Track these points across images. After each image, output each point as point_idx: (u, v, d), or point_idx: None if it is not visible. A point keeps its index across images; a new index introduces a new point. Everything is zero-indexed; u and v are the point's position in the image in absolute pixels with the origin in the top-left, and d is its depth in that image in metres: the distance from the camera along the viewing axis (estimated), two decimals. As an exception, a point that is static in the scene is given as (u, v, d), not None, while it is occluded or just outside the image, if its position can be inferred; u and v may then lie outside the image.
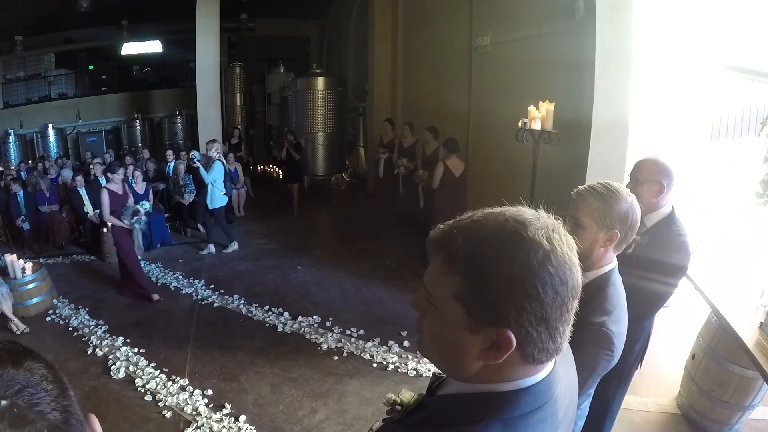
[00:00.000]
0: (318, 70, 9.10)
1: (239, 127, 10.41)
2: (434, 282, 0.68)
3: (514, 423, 0.65)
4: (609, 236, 1.40)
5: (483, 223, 0.66)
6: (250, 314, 4.30)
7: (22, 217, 6.24)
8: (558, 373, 0.72)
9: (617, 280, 1.43)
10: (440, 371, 0.77)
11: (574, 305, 0.66)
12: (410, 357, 3.49)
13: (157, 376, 3.35)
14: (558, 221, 0.68)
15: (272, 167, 10.70)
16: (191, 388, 3.21)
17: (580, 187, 1.49)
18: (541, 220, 0.66)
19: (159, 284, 5.11)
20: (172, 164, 7.48)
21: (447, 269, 0.66)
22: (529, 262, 0.61)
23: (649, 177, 1.98)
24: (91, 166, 7.96)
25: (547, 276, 0.61)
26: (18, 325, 4.10)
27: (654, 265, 1.80)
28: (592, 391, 1.43)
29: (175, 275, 5.26)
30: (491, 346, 0.64)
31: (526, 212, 0.67)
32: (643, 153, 2.19)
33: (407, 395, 0.84)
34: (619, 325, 1.33)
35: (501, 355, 0.64)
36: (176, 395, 3.14)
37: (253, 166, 11.07)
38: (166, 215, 6.75)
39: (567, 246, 0.65)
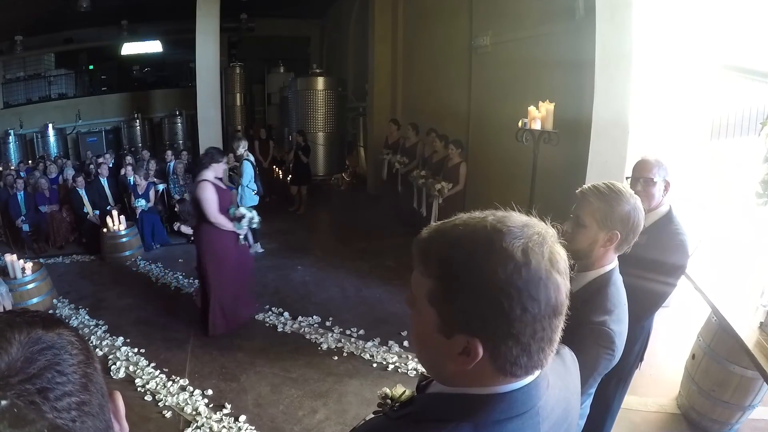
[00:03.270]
0: (318, 70, 9.10)
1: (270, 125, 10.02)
2: (414, 282, 0.69)
3: (486, 428, 0.65)
4: (609, 237, 1.40)
5: (460, 228, 0.65)
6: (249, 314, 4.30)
7: (22, 217, 6.24)
8: (543, 385, 0.70)
9: (618, 280, 1.43)
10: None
11: (555, 323, 0.64)
12: (410, 357, 3.49)
13: (157, 376, 3.35)
14: (554, 230, 0.66)
15: (273, 167, 10.66)
16: (191, 388, 3.21)
17: (585, 185, 1.49)
18: (524, 230, 0.62)
19: (159, 284, 5.11)
20: (172, 164, 7.48)
21: (424, 271, 0.66)
22: (495, 275, 0.59)
23: (656, 176, 1.99)
24: (91, 166, 7.97)
25: (514, 291, 0.59)
26: None
27: (652, 264, 1.80)
28: (593, 390, 1.43)
29: (175, 275, 5.26)
30: (462, 352, 0.64)
31: (511, 219, 0.64)
32: (643, 152, 2.19)
33: (399, 390, 0.85)
34: (620, 325, 1.33)
35: (470, 362, 0.63)
36: (176, 395, 3.14)
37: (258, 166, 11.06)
38: (166, 215, 6.75)
39: (548, 260, 0.61)
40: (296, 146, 7.59)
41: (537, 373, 0.69)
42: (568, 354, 0.88)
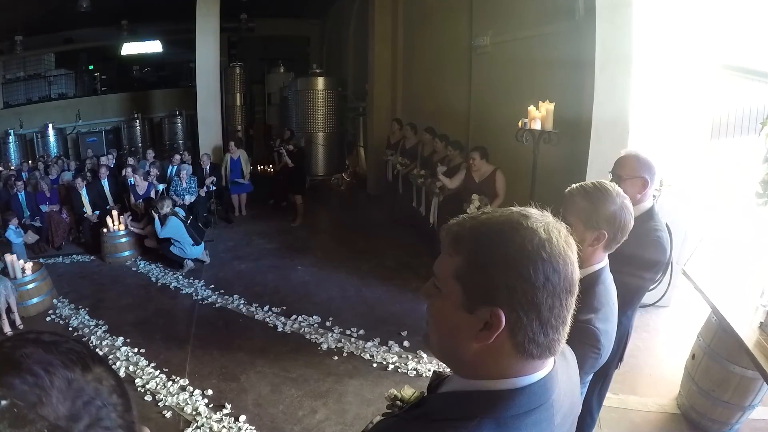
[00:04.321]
0: (318, 70, 9.09)
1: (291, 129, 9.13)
2: (441, 264, 0.73)
3: (507, 423, 0.66)
4: (596, 236, 1.40)
5: (492, 214, 0.72)
6: (250, 314, 4.30)
7: (28, 215, 6.26)
8: (556, 377, 0.73)
9: (607, 279, 1.43)
10: (442, 364, 0.79)
11: (569, 302, 0.69)
12: (410, 357, 3.49)
13: (157, 376, 3.35)
14: (562, 224, 0.71)
15: (271, 168, 10.67)
16: (191, 388, 3.21)
17: (572, 185, 1.49)
18: (544, 218, 0.70)
19: (159, 284, 5.11)
20: (175, 166, 7.45)
21: (453, 250, 0.70)
22: (523, 246, 0.66)
23: (631, 173, 1.96)
24: (87, 163, 7.95)
25: (540, 261, 0.65)
26: (4, 326, 4.09)
27: (628, 258, 1.79)
28: (585, 390, 1.43)
29: (175, 275, 5.27)
30: (484, 327, 0.67)
31: (532, 210, 0.72)
32: (628, 149, 2.17)
33: (409, 391, 0.85)
34: (606, 323, 1.33)
35: (492, 334, 0.66)
36: (176, 395, 3.14)
37: (253, 166, 11.02)
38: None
39: (564, 241, 0.68)
40: (285, 152, 7.02)
41: (550, 366, 0.72)
42: (567, 348, 0.90)
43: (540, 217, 0.69)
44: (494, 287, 0.66)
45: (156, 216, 5.47)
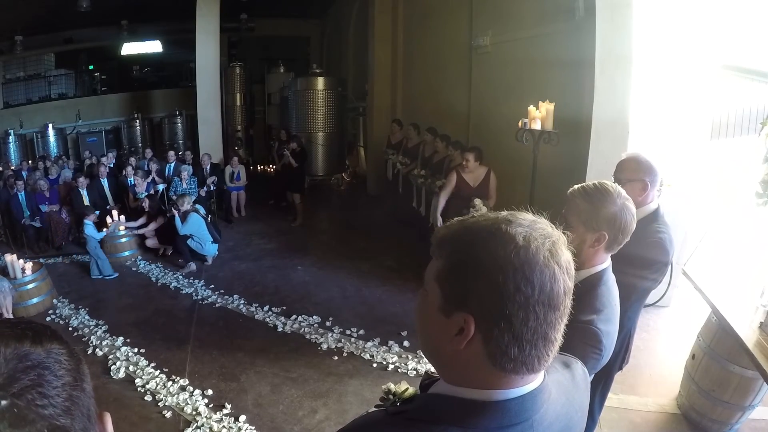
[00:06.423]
0: (318, 70, 9.09)
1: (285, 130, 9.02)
2: (428, 268, 0.72)
3: None
4: (597, 237, 1.39)
5: (479, 218, 0.70)
6: (250, 314, 4.30)
7: (28, 215, 6.26)
8: (542, 397, 0.69)
9: (609, 280, 1.42)
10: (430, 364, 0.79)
11: (551, 318, 0.64)
12: (410, 357, 3.49)
13: (157, 376, 3.35)
14: (558, 231, 0.67)
15: (271, 168, 10.68)
16: (191, 388, 3.21)
17: (574, 186, 1.49)
18: (532, 224, 0.66)
19: (159, 284, 5.11)
20: (172, 165, 7.46)
21: (437, 253, 0.70)
22: (496, 252, 0.63)
23: (630, 176, 1.96)
24: (86, 162, 7.95)
25: (511, 270, 0.62)
26: None
27: (631, 259, 1.79)
28: None
29: (175, 275, 5.27)
30: (458, 333, 0.65)
31: (522, 215, 0.68)
32: (630, 151, 2.17)
33: (403, 387, 0.86)
34: (608, 324, 1.32)
35: (462, 341, 0.65)
36: (176, 395, 3.14)
37: (253, 166, 11.05)
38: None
39: (548, 251, 0.63)
40: (290, 151, 7.15)
41: (535, 383, 0.68)
42: (580, 370, 0.86)
43: (527, 223, 0.65)
44: (467, 293, 0.64)
45: (176, 213, 5.52)
